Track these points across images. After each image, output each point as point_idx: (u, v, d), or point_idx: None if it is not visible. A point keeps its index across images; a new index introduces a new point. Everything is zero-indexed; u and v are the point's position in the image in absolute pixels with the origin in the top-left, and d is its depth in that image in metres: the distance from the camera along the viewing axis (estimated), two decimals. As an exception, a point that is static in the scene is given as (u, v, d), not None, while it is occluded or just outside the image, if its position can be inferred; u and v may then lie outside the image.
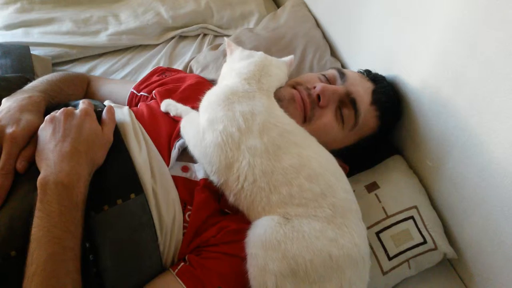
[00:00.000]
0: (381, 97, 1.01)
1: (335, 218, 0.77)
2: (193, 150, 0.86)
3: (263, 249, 0.73)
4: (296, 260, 0.72)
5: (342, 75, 1.03)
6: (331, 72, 1.06)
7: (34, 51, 1.39)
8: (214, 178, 0.83)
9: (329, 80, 1.03)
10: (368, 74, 1.08)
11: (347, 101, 0.98)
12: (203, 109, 0.86)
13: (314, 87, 0.98)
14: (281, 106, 0.88)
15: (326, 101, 0.96)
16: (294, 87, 1.01)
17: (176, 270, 0.77)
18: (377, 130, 1.03)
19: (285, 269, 0.72)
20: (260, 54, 0.96)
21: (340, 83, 1.02)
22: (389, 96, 1.04)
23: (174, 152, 0.90)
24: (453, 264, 1.07)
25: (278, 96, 0.93)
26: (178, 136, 0.93)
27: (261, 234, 0.75)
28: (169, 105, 0.98)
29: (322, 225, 0.76)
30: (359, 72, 1.11)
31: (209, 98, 0.86)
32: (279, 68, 0.96)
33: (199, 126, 0.85)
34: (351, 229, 0.78)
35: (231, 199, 0.82)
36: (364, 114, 0.99)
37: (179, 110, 0.96)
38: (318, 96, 0.96)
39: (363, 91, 1.00)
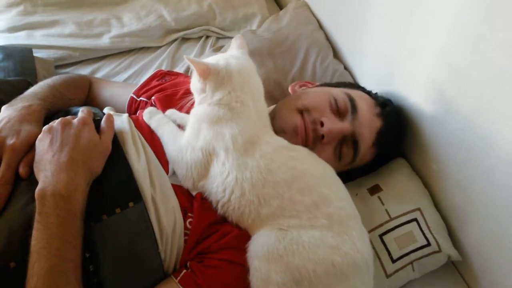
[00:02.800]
0: (384, 140, 0.99)
1: (332, 227, 0.77)
2: (173, 163, 0.88)
3: (266, 262, 0.74)
4: (300, 271, 0.72)
5: (354, 109, 0.96)
6: (343, 101, 0.97)
7: (37, 53, 1.39)
8: (196, 190, 0.86)
9: (340, 110, 0.96)
10: (381, 106, 1.01)
11: (349, 140, 0.95)
12: (194, 127, 0.86)
13: (321, 123, 0.93)
14: (284, 138, 0.88)
15: (329, 141, 0.94)
16: (300, 112, 0.97)
17: (179, 278, 0.77)
18: (372, 159, 1.03)
19: (288, 281, 0.72)
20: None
21: (349, 119, 0.95)
22: (392, 136, 1.02)
23: None
24: (458, 267, 1.07)
25: (282, 126, 0.94)
26: None
27: (263, 250, 0.75)
28: (151, 118, 0.96)
29: (321, 233, 0.76)
30: (370, 95, 1.05)
31: (198, 118, 0.86)
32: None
33: (182, 142, 0.86)
34: (351, 236, 0.78)
35: (219, 211, 0.83)
36: (363, 153, 0.97)
37: (161, 122, 0.95)
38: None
39: (369, 133, 0.96)
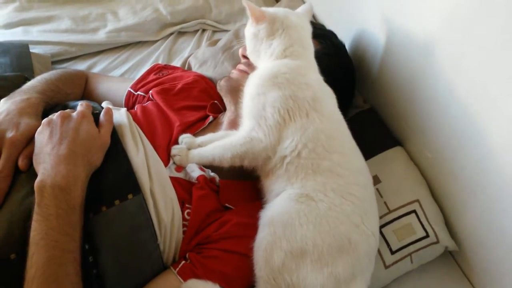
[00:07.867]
0: (325, 63, 0.96)
1: (363, 202, 0.79)
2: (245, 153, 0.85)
3: (282, 227, 0.75)
4: (315, 241, 0.73)
5: None
6: None
7: (34, 49, 1.38)
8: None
9: None
10: (315, 29, 1.04)
11: None
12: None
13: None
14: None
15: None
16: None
17: (177, 269, 0.77)
18: None
19: (296, 250, 0.73)
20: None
21: None
22: (332, 59, 1.03)
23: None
24: (454, 255, 1.07)
25: (232, 86, 1.00)
26: (176, 142, 0.95)
27: (284, 213, 0.76)
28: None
29: (351, 209, 0.77)
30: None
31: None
32: None
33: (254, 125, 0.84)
34: (374, 216, 0.81)
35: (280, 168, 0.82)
36: None
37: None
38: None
39: None
